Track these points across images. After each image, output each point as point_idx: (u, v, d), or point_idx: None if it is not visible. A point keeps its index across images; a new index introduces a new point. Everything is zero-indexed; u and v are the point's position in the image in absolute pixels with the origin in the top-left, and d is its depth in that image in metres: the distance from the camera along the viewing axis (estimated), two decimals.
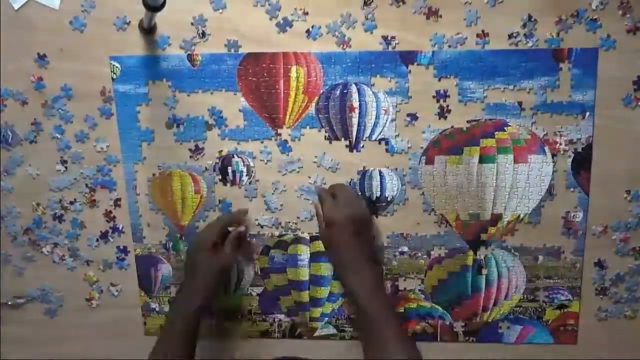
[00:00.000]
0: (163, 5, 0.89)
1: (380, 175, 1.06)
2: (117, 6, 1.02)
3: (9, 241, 1.14)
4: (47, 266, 1.15)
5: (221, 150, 1.07)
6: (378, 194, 1.06)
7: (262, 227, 1.10)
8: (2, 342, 1.20)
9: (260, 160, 1.06)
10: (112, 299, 1.16)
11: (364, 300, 0.91)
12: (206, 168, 1.08)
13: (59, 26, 1.03)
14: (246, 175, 1.08)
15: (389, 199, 1.07)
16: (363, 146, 1.04)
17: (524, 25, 0.97)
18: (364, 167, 1.05)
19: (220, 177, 1.08)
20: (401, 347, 0.87)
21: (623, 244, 1.04)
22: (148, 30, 1.02)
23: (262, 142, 1.06)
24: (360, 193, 1.06)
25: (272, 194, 1.08)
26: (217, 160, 1.07)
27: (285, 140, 1.05)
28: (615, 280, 1.06)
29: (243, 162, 1.07)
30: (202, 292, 1.00)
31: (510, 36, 0.97)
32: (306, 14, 1.00)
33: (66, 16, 1.03)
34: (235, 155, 1.07)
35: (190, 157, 1.07)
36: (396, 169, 1.05)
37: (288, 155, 1.06)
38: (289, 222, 1.09)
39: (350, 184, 1.06)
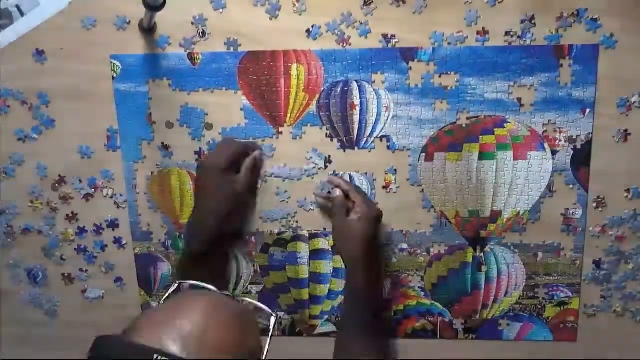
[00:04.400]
0: (163, 5, 0.89)
1: (350, 179, 1.06)
2: (117, 6, 1.02)
3: (8, 240, 1.14)
4: (47, 266, 1.15)
5: None
6: None
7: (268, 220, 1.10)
8: (2, 342, 1.19)
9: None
10: (112, 298, 1.16)
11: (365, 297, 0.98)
12: None
13: (59, 25, 1.03)
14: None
15: None
16: (365, 143, 1.05)
17: (524, 24, 0.97)
18: (334, 171, 1.06)
19: None
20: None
21: (622, 243, 1.05)
22: (148, 30, 1.02)
23: (263, 141, 1.06)
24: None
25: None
26: None
27: (273, 147, 1.06)
28: (614, 279, 1.07)
29: None
30: (215, 213, 0.97)
31: (509, 34, 0.98)
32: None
33: (66, 15, 1.03)
34: None
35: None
36: (366, 173, 1.05)
37: (272, 157, 1.06)
38: (290, 221, 1.09)
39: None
